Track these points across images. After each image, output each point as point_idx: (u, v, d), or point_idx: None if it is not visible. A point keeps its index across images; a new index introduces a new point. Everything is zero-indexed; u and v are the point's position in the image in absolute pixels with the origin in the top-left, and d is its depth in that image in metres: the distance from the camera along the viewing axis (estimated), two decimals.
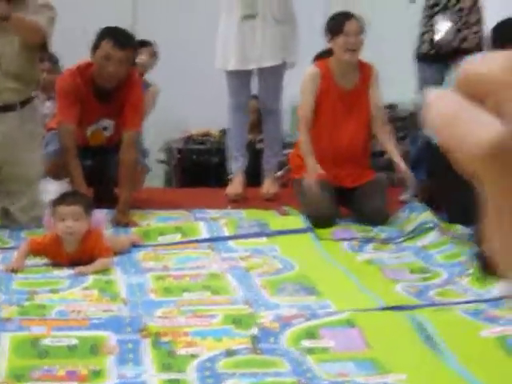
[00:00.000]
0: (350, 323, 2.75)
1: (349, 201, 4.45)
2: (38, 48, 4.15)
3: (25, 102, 4.13)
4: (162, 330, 2.68)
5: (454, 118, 0.34)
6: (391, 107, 6.22)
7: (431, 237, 3.93)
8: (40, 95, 4.64)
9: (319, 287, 3.23)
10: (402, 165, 4.31)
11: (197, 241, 3.99)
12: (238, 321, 2.75)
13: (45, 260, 3.51)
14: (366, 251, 3.87)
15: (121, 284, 3.27)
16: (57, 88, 4.48)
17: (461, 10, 4.70)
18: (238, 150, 5.02)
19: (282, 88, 4.97)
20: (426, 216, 4.11)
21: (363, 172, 4.49)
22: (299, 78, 4.48)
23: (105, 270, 3.42)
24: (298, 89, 4.51)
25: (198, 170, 6.16)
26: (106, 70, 4.26)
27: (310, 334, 2.66)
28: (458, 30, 4.68)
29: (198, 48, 5.56)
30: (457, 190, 3.04)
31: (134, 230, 4.14)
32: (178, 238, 4.04)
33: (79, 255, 3.44)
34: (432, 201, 4.39)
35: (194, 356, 2.50)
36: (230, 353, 2.52)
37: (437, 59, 4.65)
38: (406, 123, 5.90)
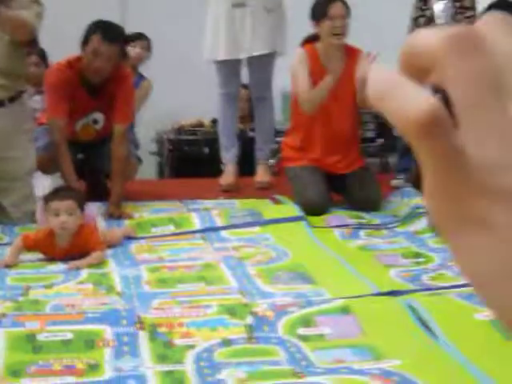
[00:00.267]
0: (344, 310, 2.76)
1: (340, 187, 4.46)
2: (26, 43, 4.13)
3: (13, 98, 4.12)
4: (157, 321, 2.68)
5: (386, 92, 0.35)
6: None
7: (424, 222, 3.94)
8: (28, 89, 4.63)
9: (313, 275, 3.24)
10: None
11: (190, 232, 4.00)
12: (232, 311, 2.76)
13: (39, 255, 3.51)
14: (359, 237, 3.88)
15: (115, 277, 3.27)
16: (46, 82, 4.47)
17: None
18: (229, 140, 5.02)
19: (273, 76, 4.96)
20: (418, 201, 4.12)
21: (354, 158, 4.50)
22: (289, 65, 4.48)
23: (99, 264, 3.42)
24: (288, 77, 4.51)
25: (190, 160, 6.16)
26: (94, 65, 4.25)
27: (305, 322, 2.67)
28: (454, 14, 4.67)
29: (189, 38, 5.54)
30: None
31: (127, 222, 4.15)
32: (170, 229, 4.05)
33: (72, 249, 3.44)
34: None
35: (190, 346, 2.50)
36: (226, 342, 2.53)
37: None
38: None
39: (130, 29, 5.15)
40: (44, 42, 4.85)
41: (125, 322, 2.67)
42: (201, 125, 6.43)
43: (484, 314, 2.61)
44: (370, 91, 0.35)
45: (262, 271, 3.31)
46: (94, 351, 2.48)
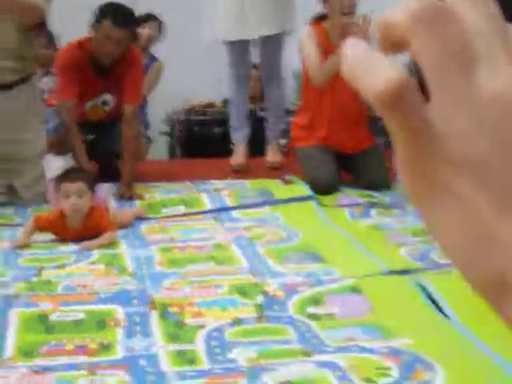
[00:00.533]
0: (355, 289, 2.77)
1: (350, 167, 4.46)
2: (35, 26, 4.13)
3: (23, 80, 4.13)
4: (169, 301, 2.70)
5: (359, 67, 0.35)
6: None
7: None
8: (37, 71, 4.63)
9: (324, 254, 3.25)
10: None
11: (201, 212, 4.01)
12: (243, 290, 2.78)
13: (51, 236, 3.53)
14: (369, 216, 3.88)
15: (127, 257, 3.29)
16: (56, 64, 4.48)
17: None
18: (239, 120, 5.01)
19: (282, 56, 4.95)
20: None
21: (362, 136, 4.49)
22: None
23: (110, 244, 3.44)
24: (297, 56, 4.49)
25: (201, 140, 6.16)
26: (105, 49, 4.25)
27: (316, 301, 2.68)
28: None
29: (200, 18, 5.52)
30: None
31: (138, 203, 4.16)
32: (181, 209, 4.06)
33: (84, 231, 3.46)
34: None
35: (201, 326, 2.52)
36: (236, 322, 2.55)
37: None
38: None
39: (141, 10, 5.13)
40: (53, 25, 4.84)
41: (136, 301, 2.70)
42: (212, 105, 6.43)
43: None
44: (344, 67, 0.36)
45: (273, 251, 3.32)
46: (106, 331, 2.50)
